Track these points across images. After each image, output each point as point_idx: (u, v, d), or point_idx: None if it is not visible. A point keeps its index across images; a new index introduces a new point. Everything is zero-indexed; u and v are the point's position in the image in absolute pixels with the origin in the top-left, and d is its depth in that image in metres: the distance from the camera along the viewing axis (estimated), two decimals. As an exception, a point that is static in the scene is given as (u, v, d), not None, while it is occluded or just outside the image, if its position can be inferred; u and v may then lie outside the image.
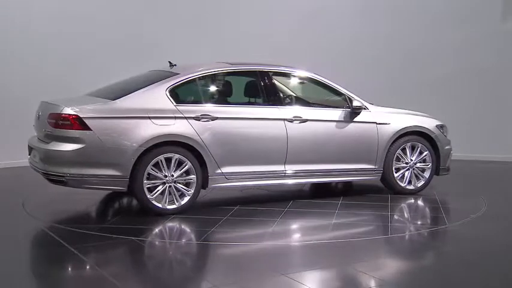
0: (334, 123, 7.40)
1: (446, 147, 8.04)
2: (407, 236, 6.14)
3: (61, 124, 6.31)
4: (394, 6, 11.19)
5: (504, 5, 10.93)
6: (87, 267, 5.00)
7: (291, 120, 7.11)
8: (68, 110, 6.29)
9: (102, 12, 10.01)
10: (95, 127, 6.26)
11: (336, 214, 6.72)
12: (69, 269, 5.04)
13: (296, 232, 6.22)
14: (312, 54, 10.86)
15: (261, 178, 7.07)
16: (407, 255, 5.61)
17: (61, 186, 6.44)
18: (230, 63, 7.34)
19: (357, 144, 7.49)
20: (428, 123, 7.94)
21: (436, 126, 7.98)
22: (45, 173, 6.45)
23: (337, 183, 8.35)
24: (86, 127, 6.23)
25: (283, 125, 7.07)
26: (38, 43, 9.52)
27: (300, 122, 7.16)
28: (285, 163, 7.12)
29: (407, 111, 8.02)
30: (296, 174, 7.23)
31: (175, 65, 7.41)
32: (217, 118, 6.77)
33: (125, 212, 6.93)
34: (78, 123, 6.23)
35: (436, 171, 8.00)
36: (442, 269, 5.10)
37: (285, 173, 7.15)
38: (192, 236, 6.13)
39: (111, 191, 7.25)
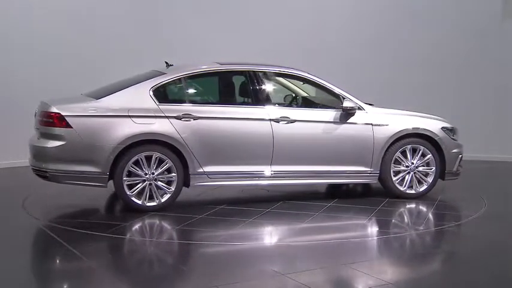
0: (325, 124, 7.24)
1: (454, 151, 7.64)
2: (370, 240, 6.00)
3: (46, 122, 6.63)
4: (395, 6, 11.16)
5: (504, 5, 10.80)
6: (87, 266, 5.03)
7: (277, 121, 7.04)
8: (53, 109, 6.58)
9: (104, 12, 10.23)
10: (75, 125, 6.51)
11: (313, 217, 6.59)
12: (68, 268, 5.07)
13: (254, 234, 6.07)
14: (316, 54, 10.91)
15: (246, 178, 7.06)
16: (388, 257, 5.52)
17: (46, 180, 6.78)
18: (220, 63, 7.38)
19: (349, 146, 7.30)
20: (432, 125, 7.59)
21: (442, 128, 7.62)
22: (33, 168, 6.81)
23: (346, 185, 8.23)
24: (67, 125, 6.50)
25: (269, 125, 7.02)
26: (39, 43, 9.72)
27: (287, 123, 7.07)
28: (271, 164, 7.06)
29: (411, 112, 7.72)
30: (283, 175, 7.16)
31: (171, 65, 7.53)
32: (199, 118, 6.83)
33: (125, 211, 6.88)
34: (60, 121, 6.51)
35: (442, 175, 7.63)
36: (442, 269, 5.20)
37: (271, 174, 7.09)
38: (154, 233, 6.26)
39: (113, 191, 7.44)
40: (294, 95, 7.82)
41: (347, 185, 8.25)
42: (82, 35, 9.98)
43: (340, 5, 11.32)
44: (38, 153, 6.70)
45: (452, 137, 7.68)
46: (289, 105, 7.56)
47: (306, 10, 11.28)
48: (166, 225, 6.36)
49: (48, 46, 9.78)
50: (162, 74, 7.06)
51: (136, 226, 6.27)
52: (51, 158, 6.58)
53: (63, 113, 6.52)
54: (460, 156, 7.73)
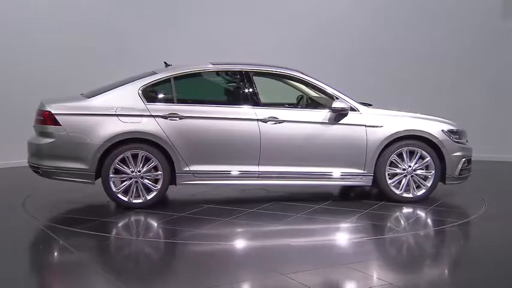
0: (315, 125, 7.13)
1: (456, 154, 7.30)
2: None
3: (40, 120, 6.93)
4: (394, 6, 11.17)
5: (505, 5, 10.68)
6: (86, 266, 5.09)
7: (265, 121, 7.01)
8: (45, 107, 6.88)
9: (105, 12, 10.44)
10: (64, 123, 6.78)
11: (290, 219, 6.51)
12: (68, 268, 5.08)
13: (214, 234, 5.99)
14: (316, 54, 10.99)
15: (232, 178, 7.07)
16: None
17: (39, 176, 7.08)
18: (213, 63, 7.43)
19: (340, 147, 7.14)
20: (431, 127, 7.29)
21: (443, 130, 7.30)
22: (29, 164, 7.12)
23: (361, 187, 7.93)
24: (56, 123, 6.76)
25: (256, 125, 7.00)
26: (39, 44, 9.89)
27: (275, 123, 7.03)
28: (258, 164, 7.04)
29: (410, 114, 7.45)
30: (271, 176, 7.11)
31: (170, 65, 7.66)
32: (185, 117, 6.92)
33: (124, 210, 6.83)
34: (50, 119, 6.80)
35: (443, 179, 7.34)
36: (442, 269, 5.21)
37: (258, 174, 7.07)
38: (124, 230, 6.37)
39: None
40: (285, 95, 7.74)
41: (362, 187, 7.92)
42: (84, 36, 10.17)
43: (341, 4, 11.31)
44: (33, 150, 7.03)
45: (454, 139, 7.34)
46: (279, 105, 7.46)
47: (306, 10, 11.31)
48: (141, 222, 6.51)
49: (49, 47, 9.98)
50: (153, 73, 7.19)
51: (113, 223, 6.46)
52: (43, 154, 6.88)
53: (53, 111, 6.80)
54: (464, 159, 7.37)
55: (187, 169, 6.93)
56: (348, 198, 7.91)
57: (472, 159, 7.59)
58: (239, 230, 6.23)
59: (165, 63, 7.71)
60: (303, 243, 5.83)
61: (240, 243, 5.80)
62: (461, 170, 7.37)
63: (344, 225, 6.34)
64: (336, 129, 7.14)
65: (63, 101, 7.07)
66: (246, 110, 7.05)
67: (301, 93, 7.74)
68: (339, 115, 7.14)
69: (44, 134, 6.90)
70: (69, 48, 10.09)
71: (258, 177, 7.09)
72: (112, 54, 10.34)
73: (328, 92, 7.29)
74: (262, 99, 7.21)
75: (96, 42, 10.31)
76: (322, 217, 6.62)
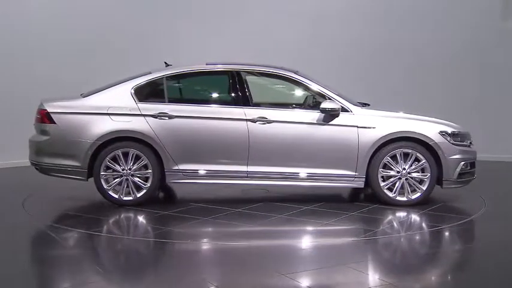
0: (304, 126, 7.05)
1: (454, 157, 7.04)
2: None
3: (38, 118, 7.22)
4: (395, 6, 11.17)
5: (504, 5, 10.49)
6: (87, 266, 5.15)
7: (254, 121, 7.01)
8: (42, 106, 7.15)
9: (106, 12, 10.58)
10: (59, 121, 7.04)
11: (269, 220, 6.44)
12: (68, 268, 5.10)
13: (185, 233, 5.98)
14: (318, 55, 11.01)
15: (221, 177, 7.10)
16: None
17: (40, 173, 7.34)
18: (208, 64, 7.48)
19: (331, 148, 7.03)
20: (427, 128, 7.05)
21: (441, 132, 7.06)
22: (30, 161, 7.41)
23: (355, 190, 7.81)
24: (52, 121, 7.02)
25: (244, 125, 7.00)
26: (40, 44, 10.03)
27: (264, 123, 7.01)
28: (247, 164, 7.04)
29: (406, 115, 7.24)
30: (261, 176, 7.09)
31: (170, 65, 7.78)
32: (174, 116, 7.02)
33: (123, 211, 6.91)
34: (47, 117, 7.06)
35: (440, 183, 7.10)
36: (442, 270, 5.18)
37: (247, 174, 7.07)
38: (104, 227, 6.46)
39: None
40: (277, 95, 7.71)
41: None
42: (85, 37, 10.31)
43: (339, 4, 11.23)
44: (32, 148, 7.31)
45: (452, 141, 7.07)
46: (269, 105, 7.40)
47: (306, 10, 11.25)
48: (123, 219, 6.66)
49: (50, 47, 10.14)
50: (147, 73, 7.33)
51: (98, 220, 6.61)
52: (40, 151, 7.17)
53: (49, 110, 7.07)
54: (463, 163, 7.10)
55: (177, 168, 7.03)
56: (345, 199, 7.76)
57: (475, 162, 7.31)
58: (210, 229, 6.25)
59: (165, 63, 7.84)
60: (261, 245, 5.87)
61: (205, 243, 5.82)
62: (460, 173, 7.11)
63: (318, 227, 6.23)
64: (326, 130, 7.04)
65: (60, 100, 7.32)
66: (235, 110, 7.07)
67: (307, 94, 7.68)
68: (329, 115, 7.03)
69: (41, 132, 7.18)
70: (70, 49, 10.27)
71: (247, 177, 7.09)
72: (113, 55, 10.49)
73: (320, 92, 7.19)
74: (254, 99, 7.21)
75: (97, 42, 10.47)
76: (302, 219, 6.53)
